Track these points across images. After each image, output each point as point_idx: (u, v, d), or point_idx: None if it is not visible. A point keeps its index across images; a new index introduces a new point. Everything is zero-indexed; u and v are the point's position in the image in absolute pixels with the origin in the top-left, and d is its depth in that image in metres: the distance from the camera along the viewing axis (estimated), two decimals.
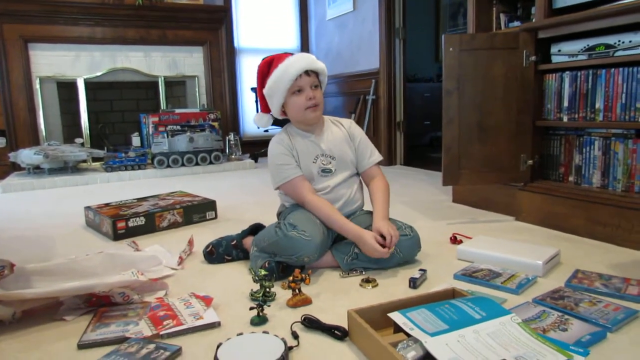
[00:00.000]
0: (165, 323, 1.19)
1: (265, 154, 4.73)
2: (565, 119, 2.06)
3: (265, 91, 1.60)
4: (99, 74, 4.32)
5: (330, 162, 1.65)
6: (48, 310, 1.31)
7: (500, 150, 2.14)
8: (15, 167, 3.96)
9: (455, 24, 5.73)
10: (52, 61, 4.16)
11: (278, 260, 1.50)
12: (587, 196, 1.92)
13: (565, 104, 2.05)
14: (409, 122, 4.26)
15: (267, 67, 1.59)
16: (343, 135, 1.70)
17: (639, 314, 1.20)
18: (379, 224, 1.53)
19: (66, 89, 4.29)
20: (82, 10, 4.13)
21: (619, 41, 1.80)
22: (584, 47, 1.93)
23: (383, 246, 1.48)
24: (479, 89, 2.10)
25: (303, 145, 1.64)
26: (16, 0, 3.87)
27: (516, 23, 2.27)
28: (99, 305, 1.32)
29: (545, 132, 2.18)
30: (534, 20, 2.10)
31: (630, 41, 1.77)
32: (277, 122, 1.71)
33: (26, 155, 3.60)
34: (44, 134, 4.16)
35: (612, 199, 1.83)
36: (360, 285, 1.45)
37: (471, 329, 0.98)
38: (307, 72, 1.55)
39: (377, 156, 1.72)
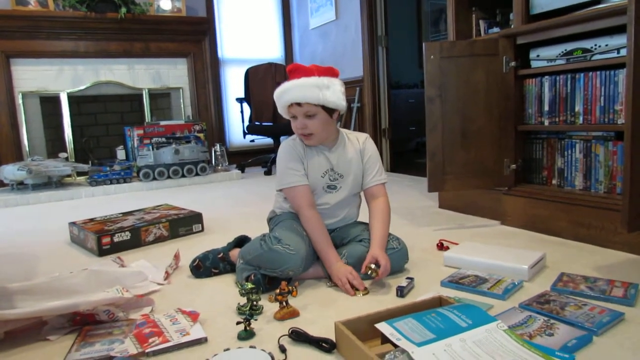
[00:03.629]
0: (150, 340, 1.17)
1: (251, 164, 4.74)
2: (546, 122, 2.08)
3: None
4: (82, 87, 4.28)
5: (337, 179, 1.64)
6: (31, 331, 1.29)
7: (484, 156, 2.16)
8: None
9: (437, 30, 5.79)
10: (34, 76, 4.11)
11: (263, 273, 1.50)
12: (571, 198, 1.94)
13: (546, 108, 2.07)
14: (395, 128, 4.29)
15: (286, 72, 1.59)
16: (356, 151, 1.67)
17: (624, 317, 1.21)
18: (377, 252, 1.49)
19: (49, 103, 4.25)
20: (65, 25, 4.10)
21: (596, 45, 1.84)
22: (562, 51, 1.96)
23: (352, 283, 1.46)
24: (461, 96, 2.11)
25: (315, 157, 1.62)
26: None
27: (495, 29, 2.30)
28: (83, 323, 1.30)
29: (527, 136, 2.21)
30: (512, 26, 2.13)
31: (606, 45, 1.80)
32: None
33: (9, 171, 3.55)
34: (27, 149, 4.10)
35: (595, 201, 1.85)
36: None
37: (458, 337, 0.99)
38: (299, 103, 1.52)
39: (383, 177, 1.69)
